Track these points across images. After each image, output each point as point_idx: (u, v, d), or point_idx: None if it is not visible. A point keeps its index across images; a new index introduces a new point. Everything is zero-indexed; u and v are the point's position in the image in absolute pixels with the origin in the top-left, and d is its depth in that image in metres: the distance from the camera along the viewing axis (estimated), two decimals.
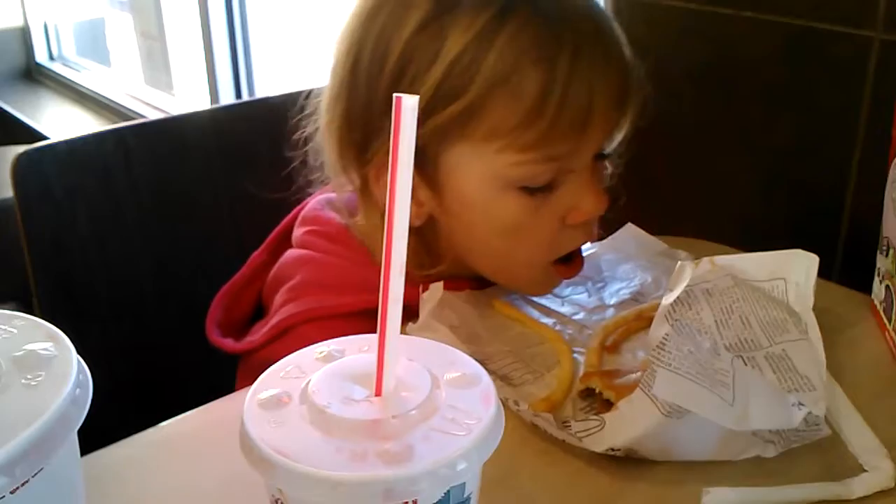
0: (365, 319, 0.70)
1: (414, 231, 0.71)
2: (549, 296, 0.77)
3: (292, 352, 0.75)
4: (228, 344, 0.77)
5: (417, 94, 0.64)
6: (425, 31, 0.66)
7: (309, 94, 0.78)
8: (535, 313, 0.74)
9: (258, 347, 0.75)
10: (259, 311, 0.83)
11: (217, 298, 0.83)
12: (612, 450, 0.55)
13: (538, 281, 0.75)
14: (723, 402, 0.54)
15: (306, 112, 0.77)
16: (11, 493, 0.33)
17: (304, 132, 0.77)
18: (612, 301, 0.76)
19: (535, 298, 0.76)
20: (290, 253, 0.80)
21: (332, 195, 0.81)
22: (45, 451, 0.33)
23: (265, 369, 0.74)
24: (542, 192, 0.68)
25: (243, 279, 0.84)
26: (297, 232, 0.81)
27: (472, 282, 0.75)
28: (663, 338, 0.56)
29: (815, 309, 0.63)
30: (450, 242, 0.73)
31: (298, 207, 0.84)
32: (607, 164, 0.75)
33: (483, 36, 0.65)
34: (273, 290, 0.79)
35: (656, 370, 0.54)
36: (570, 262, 0.75)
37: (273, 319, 0.75)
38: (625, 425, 0.55)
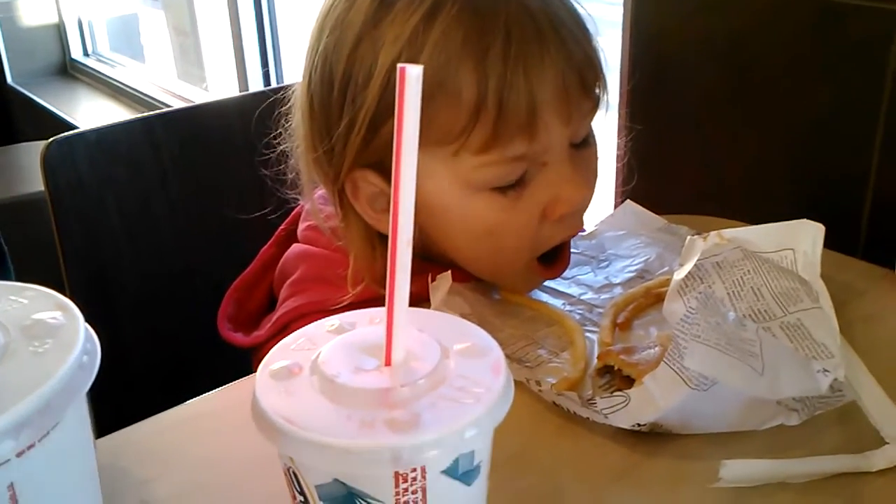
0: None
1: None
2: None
3: None
4: (238, 338, 0.79)
5: (359, 114, 0.64)
6: (360, 46, 0.65)
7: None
8: (544, 296, 0.74)
9: (264, 342, 0.76)
10: (273, 303, 0.84)
11: (228, 294, 0.84)
12: (638, 425, 0.55)
13: (523, 279, 0.73)
14: (753, 371, 0.54)
15: (278, 131, 0.77)
16: (17, 456, 0.33)
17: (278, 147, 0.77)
18: (619, 279, 0.76)
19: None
20: (294, 248, 0.81)
21: None
22: (51, 416, 0.34)
23: None
24: (515, 190, 0.66)
25: (254, 274, 0.85)
26: (300, 227, 0.82)
27: (475, 277, 0.75)
28: (689, 310, 0.56)
29: (838, 283, 0.63)
30: (438, 245, 0.73)
31: (301, 205, 0.84)
32: (595, 150, 0.72)
33: (412, 42, 0.63)
34: (280, 284, 0.80)
35: (687, 343, 0.54)
36: (554, 262, 0.73)
37: (276, 314, 0.77)
38: (651, 400, 0.55)
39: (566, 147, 0.67)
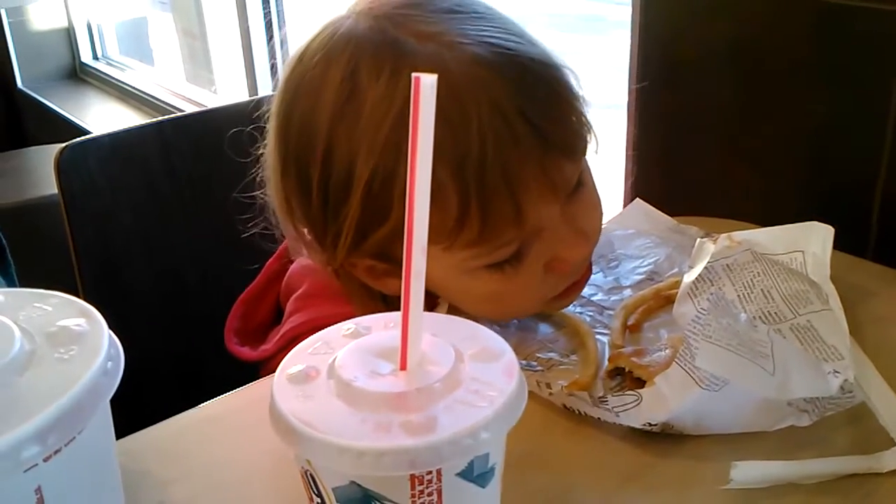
0: None
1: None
2: None
3: None
4: (245, 353, 0.79)
5: (344, 222, 0.62)
6: (335, 149, 0.62)
7: None
8: None
9: (271, 356, 0.77)
10: (279, 315, 0.84)
11: (234, 308, 0.84)
12: (650, 424, 0.55)
13: (544, 310, 0.72)
14: (765, 372, 0.54)
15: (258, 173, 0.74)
16: (44, 461, 0.34)
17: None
18: (628, 282, 0.77)
19: None
20: (298, 262, 0.81)
21: None
22: (77, 421, 0.35)
23: None
24: (511, 264, 0.65)
25: (259, 287, 0.85)
26: None
27: None
28: (700, 311, 0.56)
29: (848, 285, 0.63)
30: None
31: None
32: (591, 185, 0.69)
33: (386, 153, 0.60)
34: (286, 297, 0.80)
35: (698, 343, 0.54)
36: (567, 291, 0.71)
37: (283, 329, 0.77)
38: (662, 400, 0.55)
39: (558, 212, 0.65)
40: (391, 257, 0.65)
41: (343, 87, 0.62)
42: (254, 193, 0.75)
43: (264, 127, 0.71)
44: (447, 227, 0.61)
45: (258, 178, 0.74)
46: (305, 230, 0.69)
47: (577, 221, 0.66)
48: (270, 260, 0.86)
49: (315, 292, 0.77)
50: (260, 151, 0.73)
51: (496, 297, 0.67)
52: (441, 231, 0.61)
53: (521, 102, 0.61)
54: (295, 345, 0.74)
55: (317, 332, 0.72)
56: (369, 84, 0.61)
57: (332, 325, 0.72)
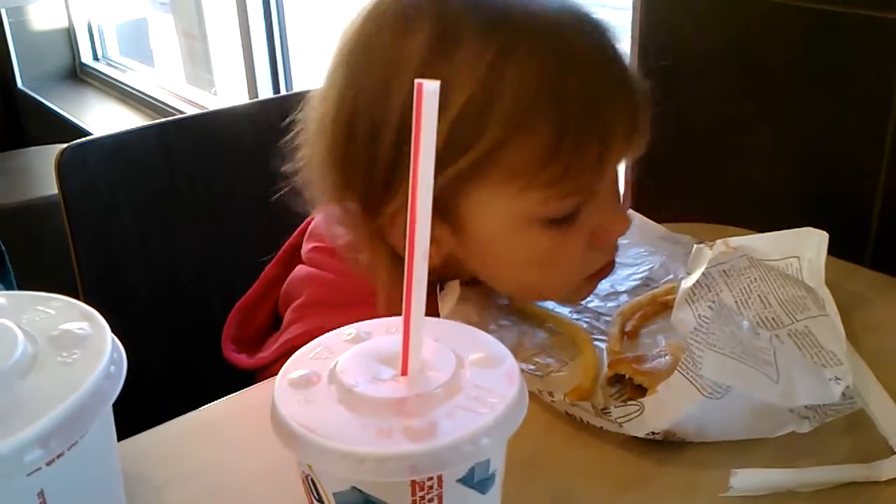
0: None
1: (432, 269, 0.69)
2: None
3: None
4: (242, 360, 0.79)
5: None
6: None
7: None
8: (550, 304, 0.75)
9: (268, 364, 0.76)
10: (277, 322, 0.84)
11: (231, 315, 0.83)
12: (653, 433, 0.55)
13: (570, 294, 0.73)
14: (769, 380, 0.54)
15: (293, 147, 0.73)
16: (47, 464, 0.34)
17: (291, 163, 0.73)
18: (624, 287, 0.77)
19: None
20: (299, 270, 0.80)
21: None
22: (80, 425, 0.35)
23: None
24: (567, 221, 0.66)
25: (256, 294, 0.84)
26: (305, 248, 0.81)
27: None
28: (702, 319, 0.56)
29: (846, 292, 0.64)
30: (476, 274, 0.72)
31: (307, 220, 0.84)
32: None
33: (489, 82, 0.61)
34: (285, 306, 0.80)
35: (703, 352, 0.54)
36: (592, 277, 0.73)
37: (281, 339, 0.76)
38: (665, 409, 0.55)
39: (615, 176, 0.68)
40: (444, 206, 0.65)
41: (436, 28, 0.62)
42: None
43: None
44: (534, 162, 0.62)
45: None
46: (351, 199, 0.67)
47: (619, 200, 0.70)
48: (268, 266, 0.85)
49: (316, 301, 0.77)
50: (299, 127, 0.72)
51: (542, 261, 0.68)
52: (526, 167, 0.62)
53: (616, 57, 0.66)
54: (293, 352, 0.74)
55: None
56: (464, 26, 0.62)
57: None
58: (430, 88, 0.38)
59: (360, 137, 0.65)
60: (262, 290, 0.84)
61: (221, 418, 0.63)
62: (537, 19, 0.63)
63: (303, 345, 0.74)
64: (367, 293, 0.73)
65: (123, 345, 0.41)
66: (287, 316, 0.78)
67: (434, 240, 0.67)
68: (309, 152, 0.70)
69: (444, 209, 0.65)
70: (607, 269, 0.73)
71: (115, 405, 0.40)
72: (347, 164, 0.66)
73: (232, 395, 0.65)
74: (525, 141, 0.62)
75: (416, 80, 0.38)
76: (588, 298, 0.75)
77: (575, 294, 0.73)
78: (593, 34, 0.65)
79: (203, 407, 0.64)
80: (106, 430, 0.39)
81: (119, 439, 0.59)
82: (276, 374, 0.77)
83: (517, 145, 0.62)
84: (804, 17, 0.87)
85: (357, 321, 0.72)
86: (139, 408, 0.70)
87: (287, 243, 0.86)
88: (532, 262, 0.68)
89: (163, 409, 0.64)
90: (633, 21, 1.04)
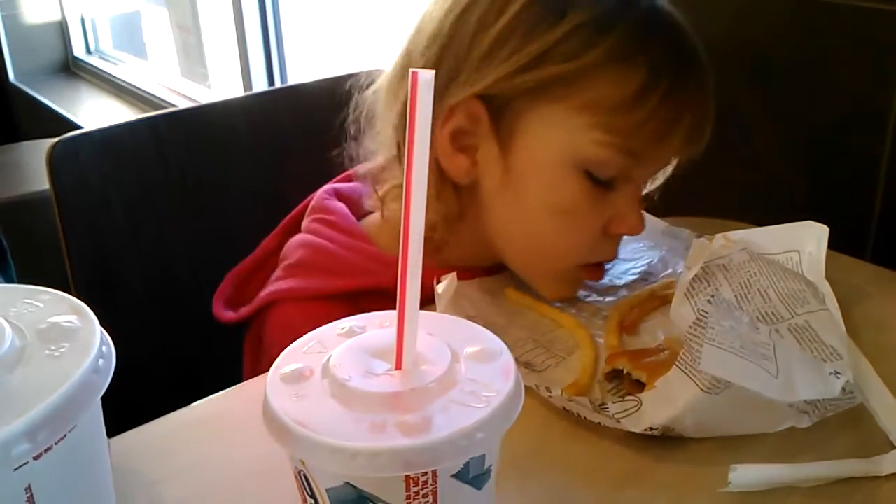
0: (346, 304, 0.71)
1: (452, 190, 0.71)
2: None
3: (272, 325, 0.77)
4: (228, 315, 0.80)
5: (531, 45, 0.65)
6: None
7: (349, 77, 0.78)
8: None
9: (250, 316, 0.78)
10: None
11: (227, 278, 0.85)
12: (651, 429, 0.55)
13: (562, 278, 0.74)
14: (768, 374, 0.54)
15: (362, 83, 0.77)
16: (35, 459, 0.34)
17: (355, 108, 0.77)
18: (622, 281, 0.77)
19: None
20: (297, 237, 0.81)
21: (340, 185, 0.84)
22: (68, 419, 0.34)
23: (255, 339, 0.75)
24: (603, 187, 0.69)
25: (254, 262, 0.86)
26: (306, 221, 0.82)
27: (482, 272, 0.75)
28: (701, 314, 0.56)
29: (846, 286, 0.63)
30: (479, 219, 0.72)
31: (308, 198, 0.85)
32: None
33: (616, 12, 0.66)
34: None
35: (701, 346, 0.54)
36: (597, 266, 0.75)
37: (263, 291, 0.77)
38: (663, 404, 0.55)
39: (653, 170, 0.72)
40: (509, 117, 0.68)
41: None
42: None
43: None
44: (616, 101, 0.66)
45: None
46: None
47: (640, 198, 0.73)
48: (269, 236, 0.86)
49: (305, 264, 0.77)
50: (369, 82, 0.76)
51: (564, 213, 0.69)
52: (605, 103, 0.66)
53: (702, 76, 0.71)
54: (274, 308, 0.75)
55: (299, 302, 0.74)
56: None
57: (314, 297, 0.73)
58: (424, 78, 0.37)
59: (468, 25, 0.68)
60: (260, 259, 0.86)
61: (214, 414, 0.63)
62: None
63: (284, 301, 0.75)
64: (360, 267, 0.74)
65: (115, 339, 0.40)
66: (276, 272, 0.79)
67: (473, 157, 0.69)
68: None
69: (506, 119, 0.68)
70: (599, 270, 0.75)
71: (106, 400, 0.39)
72: (441, 55, 0.69)
73: (225, 390, 0.64)
74: (617, 80, 0.66)
75: (411, 70, 0.37)
76: (586, 293, 0.75)
77: (565, 281, 0.74)
78: (696, 47, 0.71)
79: (196, 403, 0.63)
80: (95, 425, 0.39)
81: (111, 435, 0.59)
82: (258, 328, 0.78)
83: (609, 81, 0.65)
84: (805, 10, 0.87)
85: (342, 291, 0.73)
86: (131, 402, 0.70)
87: (287, 218, 0.87)
88: (556, 209, 0.69)
89: (155, 403, 0.63)
90: None
